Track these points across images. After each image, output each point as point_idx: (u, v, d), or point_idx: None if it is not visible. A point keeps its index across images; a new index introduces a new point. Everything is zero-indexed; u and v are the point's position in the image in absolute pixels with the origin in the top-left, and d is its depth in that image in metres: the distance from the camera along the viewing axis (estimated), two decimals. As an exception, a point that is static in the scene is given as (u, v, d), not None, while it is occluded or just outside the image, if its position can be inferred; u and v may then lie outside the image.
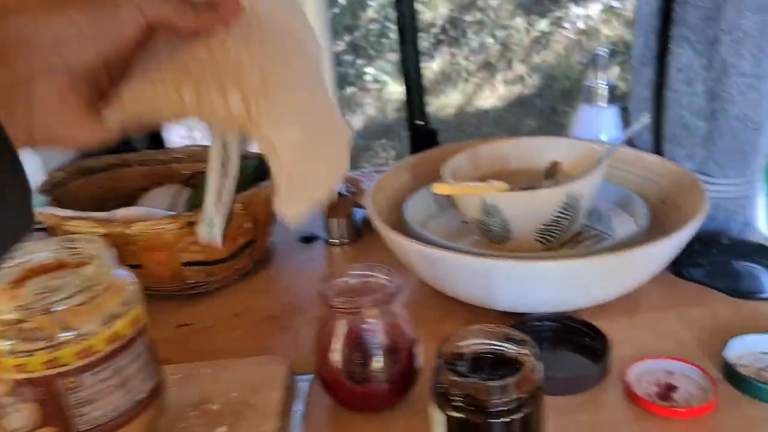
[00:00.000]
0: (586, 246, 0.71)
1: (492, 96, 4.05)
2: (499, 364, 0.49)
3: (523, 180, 0.74)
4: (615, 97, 0.85)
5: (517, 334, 0.50)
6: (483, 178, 0.76)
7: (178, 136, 2.44)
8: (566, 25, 4.10)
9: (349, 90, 4.15)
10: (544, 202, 0.65)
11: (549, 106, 3.75)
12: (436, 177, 0.72)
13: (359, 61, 4.13)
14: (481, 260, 0.59)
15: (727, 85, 0.68)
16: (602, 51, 0.83)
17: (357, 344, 0.54)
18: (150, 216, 0.72)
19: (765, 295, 0.65)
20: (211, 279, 0.78)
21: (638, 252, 0.58)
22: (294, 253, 0.87)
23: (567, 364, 0.60)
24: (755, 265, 0.66)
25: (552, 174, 0.69)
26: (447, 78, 4.28)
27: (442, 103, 4.11)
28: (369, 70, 4.23)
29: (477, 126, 3.79)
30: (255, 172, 0.87)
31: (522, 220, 0.67)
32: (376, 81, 4.21)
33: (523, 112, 3.77)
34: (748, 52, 0.67)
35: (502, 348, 0.50)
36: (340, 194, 0.79)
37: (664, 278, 0.69)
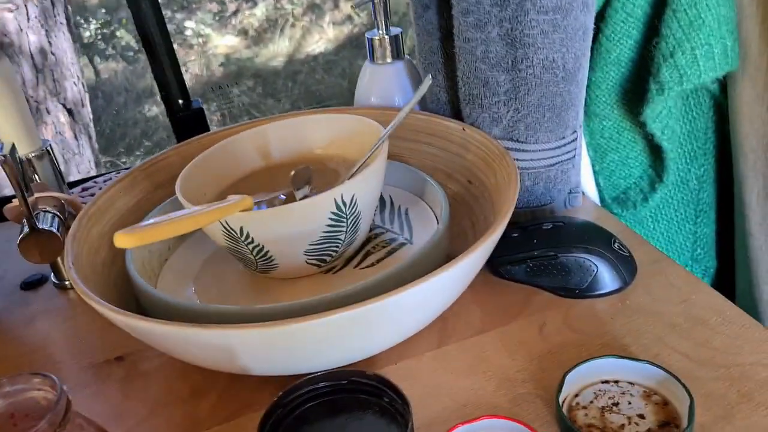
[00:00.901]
0: (376, 258, 0.54)
1: (322, 39, 3.83)
2: None
3: (287, 180, 0.55)
4: (402, 49, 0.67)
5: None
6: (238, 182, 0.57)
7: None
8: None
9: (171, 48, 3.77)
10: (304, 217, 0.47)
11: (381, 44, 3.59)
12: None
13: (178, 16, 3.74)
14: (210, 333, 0.40)
15: (526, 26, 0.52)
16: (377, -9, 0.64)
17: None
18: None
19: (600, 291, 0.52)
20: None
21: (431, 283, 0.41)
22: (13, 306, 0.64)
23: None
24: (585, 255, 0.52)
25: (305, 181, 0.50)
26: (273, 25, 4.01)
27: (271, 53, 3.83)
28: (189, 24, 3.88)
29: (309, 73, 3.58)
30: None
31: (281, 244, 0.48)
32: (199, 35, 3.88)
33: (354, 53, 3.59)
34: (545, -21, 0.51)
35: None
36: (39, 230, 0.56)
37: (479, 281, 0.53)
